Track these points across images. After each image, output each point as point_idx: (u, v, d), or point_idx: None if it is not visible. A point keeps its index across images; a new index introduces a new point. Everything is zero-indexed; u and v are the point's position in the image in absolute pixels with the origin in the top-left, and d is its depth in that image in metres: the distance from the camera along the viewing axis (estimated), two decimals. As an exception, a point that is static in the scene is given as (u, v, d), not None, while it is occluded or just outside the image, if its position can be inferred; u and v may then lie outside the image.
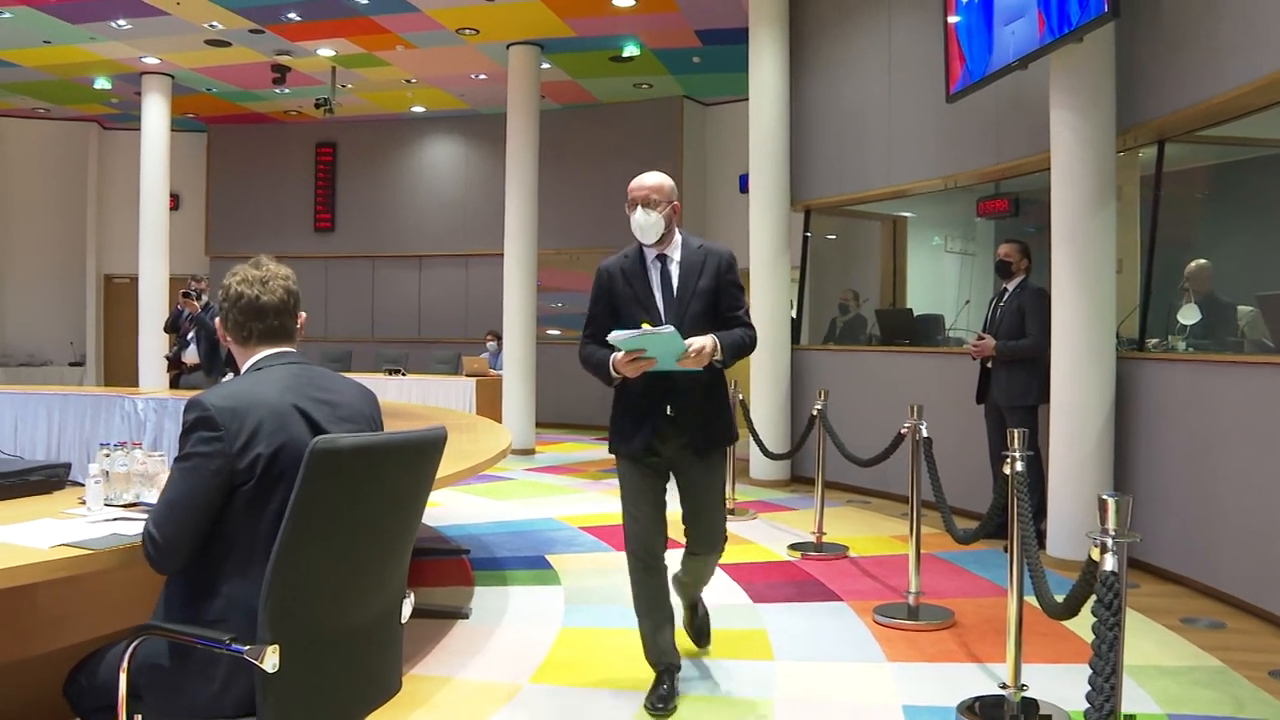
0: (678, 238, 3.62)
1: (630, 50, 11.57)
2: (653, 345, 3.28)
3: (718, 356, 3.38)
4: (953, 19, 6.82)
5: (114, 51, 11.87)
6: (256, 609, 1.97)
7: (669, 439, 3.54)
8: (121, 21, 10.78)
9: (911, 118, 8.01)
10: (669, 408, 3.50)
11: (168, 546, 2.10)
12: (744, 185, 10.56)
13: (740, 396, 7.64)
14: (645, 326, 3.31)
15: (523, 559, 5.90)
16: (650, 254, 3.59)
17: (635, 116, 13.75)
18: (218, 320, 2.44)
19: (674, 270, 3.57)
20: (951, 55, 6.87)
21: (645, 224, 3.50)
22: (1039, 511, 5.77)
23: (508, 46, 11.38)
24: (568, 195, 13.79)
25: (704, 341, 3.32)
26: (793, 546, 6.22)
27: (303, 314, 2.45)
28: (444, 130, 14.95)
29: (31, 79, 13.04)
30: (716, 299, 3.54)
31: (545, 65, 11.81)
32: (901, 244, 10.37)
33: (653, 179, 3.55)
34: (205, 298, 9.03)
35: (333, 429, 2.23)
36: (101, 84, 13.30)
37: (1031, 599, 3.26)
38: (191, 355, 9.04)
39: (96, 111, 14.97)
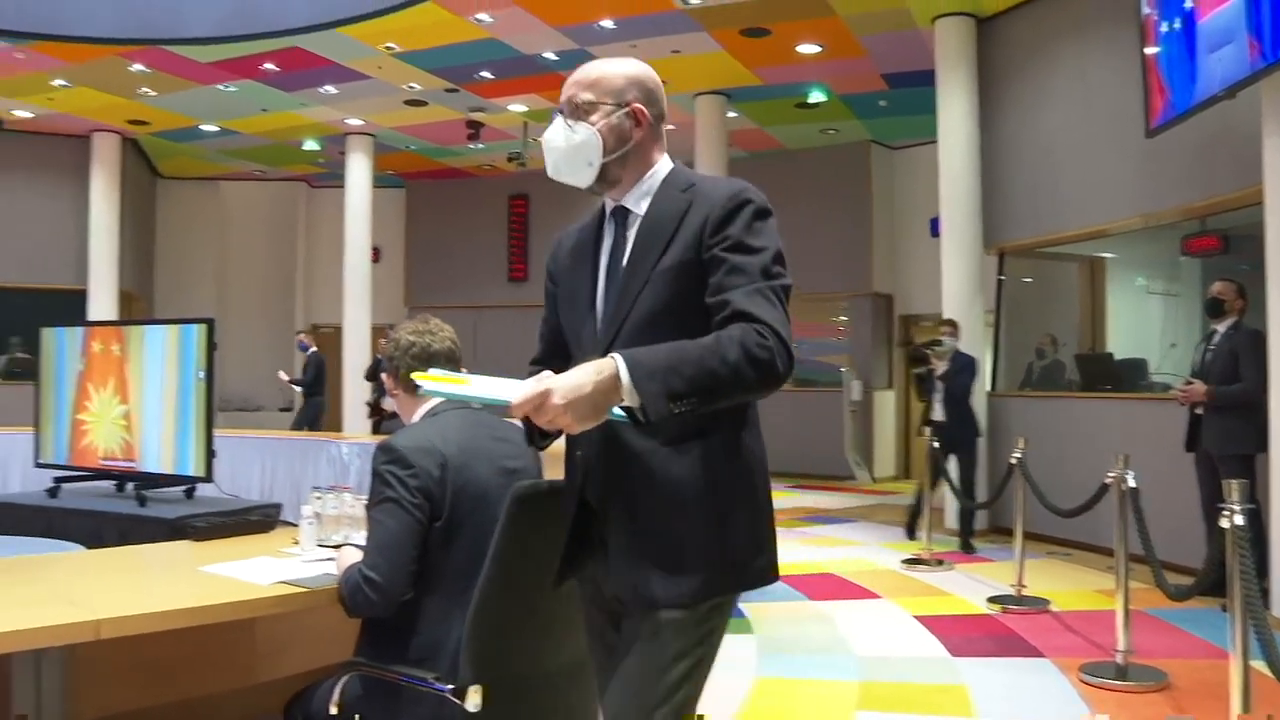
0: (654, 174, 1.95)
1: (817, 96, 11.62)
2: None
3: (626, 404, 1.65)
4: (1152, 50, 6.58)
5: (322, 115, 12.79)
6: (455, 647, 2.09)
7: (597, 555, 1.92)
8: (329, 87, 11.62)
9: (1108, 154, 7.73)
10: (588, 491, 1.90)
11: (388, 586, 2.23)
12: (935, 229, 10.39)
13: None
14: (449, 379, 1.75)
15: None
16: (608, 207, 2.01)
17: (823, 162, 13.74)
18: (384, 375, 2.62)
19: (631, 236, 1.93)
20: (1152, 88, 6.61)
21: (557, 148, 1.94)
22: (1261, 568, 5.41)
23: (695, 96, 11.63)
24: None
25: (536, 391, 1.61)
26: (992, 599, 6.03)
27: (464, 370, 2.57)
28: (634, 181, 15.26)
29: (250, 144, 14.17)
30: (696, 283, 1.83)
31: (732, 114, 11.99)
32: (1101, 286, 9.95)
33: (591, 69, 1.96)
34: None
35: (509, 466, 2.38)
36: (310, 145, 14.32)
37: (1258, 664, 3.08)
38: (390, 403, 9.56)
39: (305, 171, 16.10)
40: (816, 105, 11.94)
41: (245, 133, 13.52)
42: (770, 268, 1.80)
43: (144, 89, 11.49)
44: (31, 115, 12.49)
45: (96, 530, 5.30)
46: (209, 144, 14.08)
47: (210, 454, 5.48)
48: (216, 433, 5.64)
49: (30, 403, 6.62)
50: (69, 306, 12.52)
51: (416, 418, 2.53)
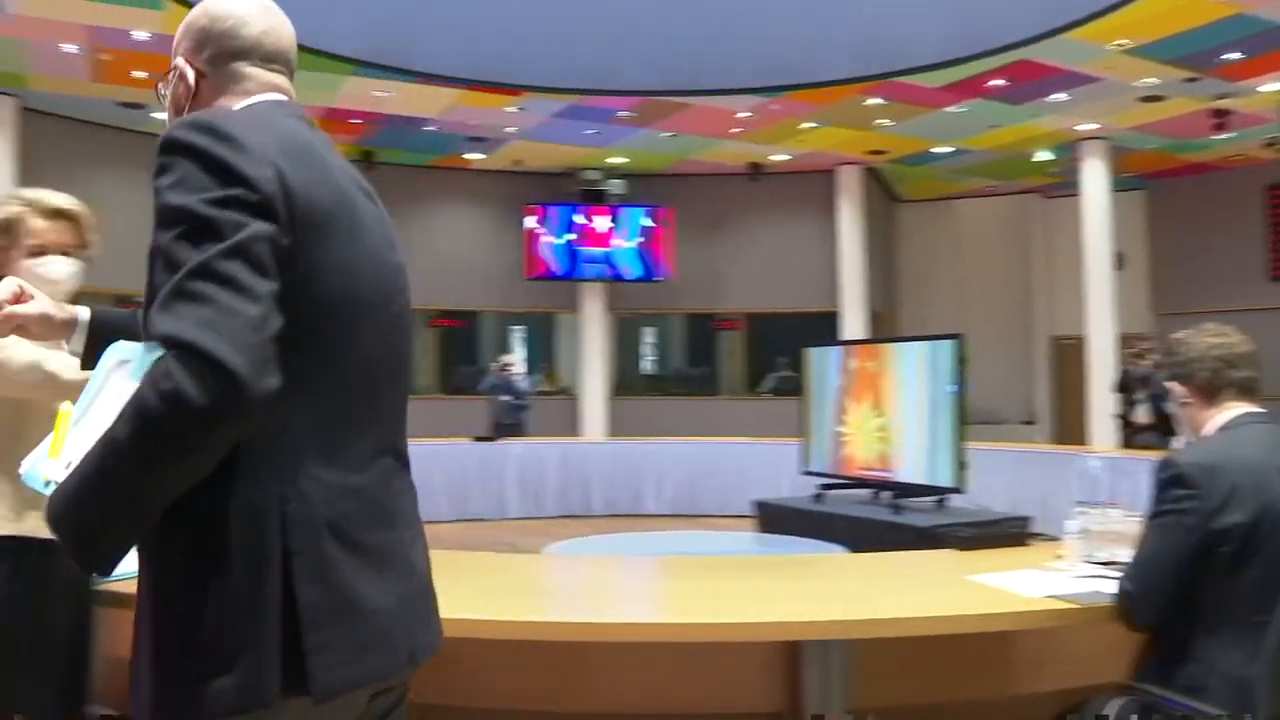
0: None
1: None
2: None
3: None
4: None
5: (1053, 124, 12.43)
6: (1239, 678, 1.89)
7: None
8: (1059, 95, 11.27)
9: None
10: None
11: (1136, 600, 2.16)
12: None
13: None
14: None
15: None
16: None
17: None
18: (1173, 383, 2.40)
19: None
20: None
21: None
22: None
23: None
24: None
25: None
26: None
27: None
28: None
29: (982, 161, 14.30)
30: None
31: None
32: None
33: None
34: (1155, 357, 8.89)
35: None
36: (1042, 156, 14.01)
37: None
38: (1140, 415, 8.95)
39: (1038, 182, 15.77)
40: None
41: (977, 149, 13.74)
42: (174, 246, 1.21)
43: (880, 120, 12.28)
44: (786, 157, 14.03)
45: (857, 534, 5.76)
46: (942, 165, 14.59)
47: (962, 465, 5.65)
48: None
49: (796, 416, 7.42)
50: (824, 327, 13.81)
51: (1209, 430, 2.33)
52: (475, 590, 2.69)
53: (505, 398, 10.62)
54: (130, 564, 1.27)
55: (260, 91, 1.47)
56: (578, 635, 2.31)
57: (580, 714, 2.80)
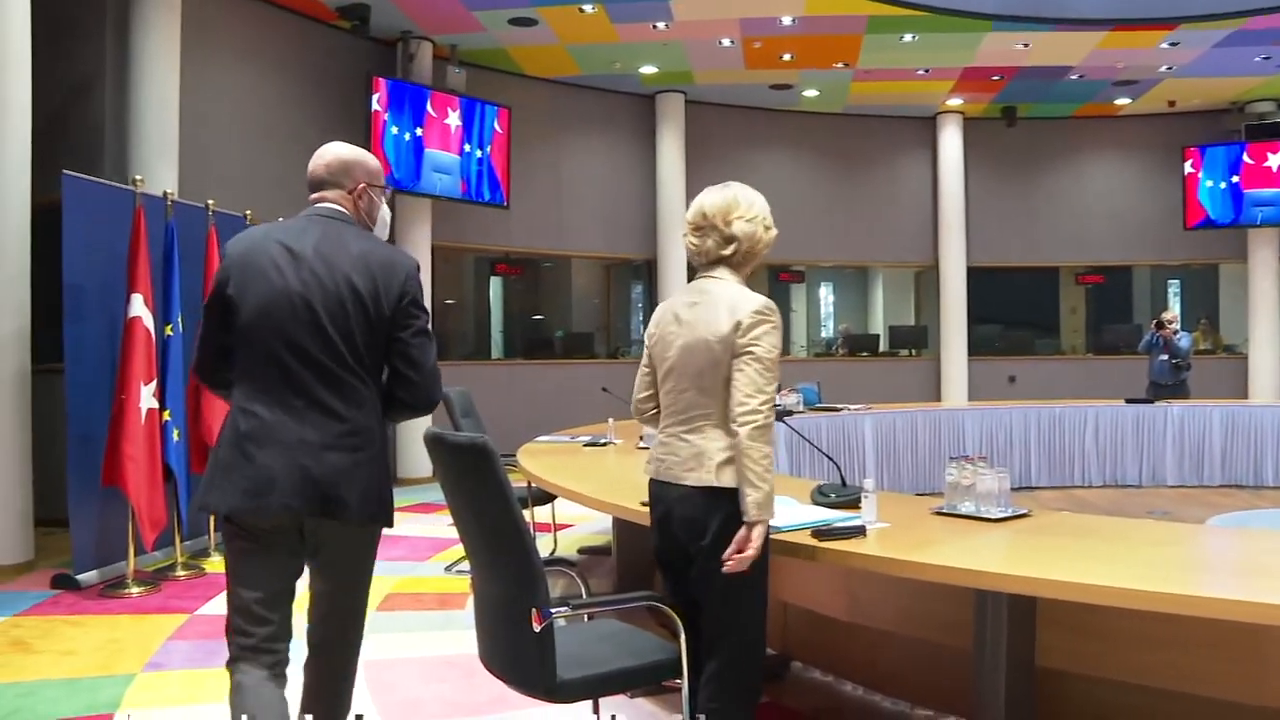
0: None
1: None
2: None
3: None
4: None
5: None
6: None
7: None
8: None
9: None
10: None
11: None
12: None
13: None
14: None
15: None
16: None
17: None
18: None
19: None
20: None
21: None
22: None
23: None
24: None
25: None
26: None
27: None
28: None
29: None
30: None
31: None
32: None
33: None
34: None
35: None
36: None
37: None
38: None
39: None
40: None
41: None
42: None
43: None
44: None
45: None
46: None
47: None
48: None
49: None
50: None
51: None
52: (1132, 559, 2.61)
53: (1163, 358, 9.83)
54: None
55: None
56: (1249, 616, 2.13)
57: (1247, 706, 2.59)
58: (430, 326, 2.69)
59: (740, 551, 2.47)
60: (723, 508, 2.55)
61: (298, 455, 2.48)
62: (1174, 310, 10.16)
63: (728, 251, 2.68)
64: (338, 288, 2.54)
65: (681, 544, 2.65)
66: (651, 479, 2.78)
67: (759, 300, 2.59)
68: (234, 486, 2.49)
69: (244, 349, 2.57)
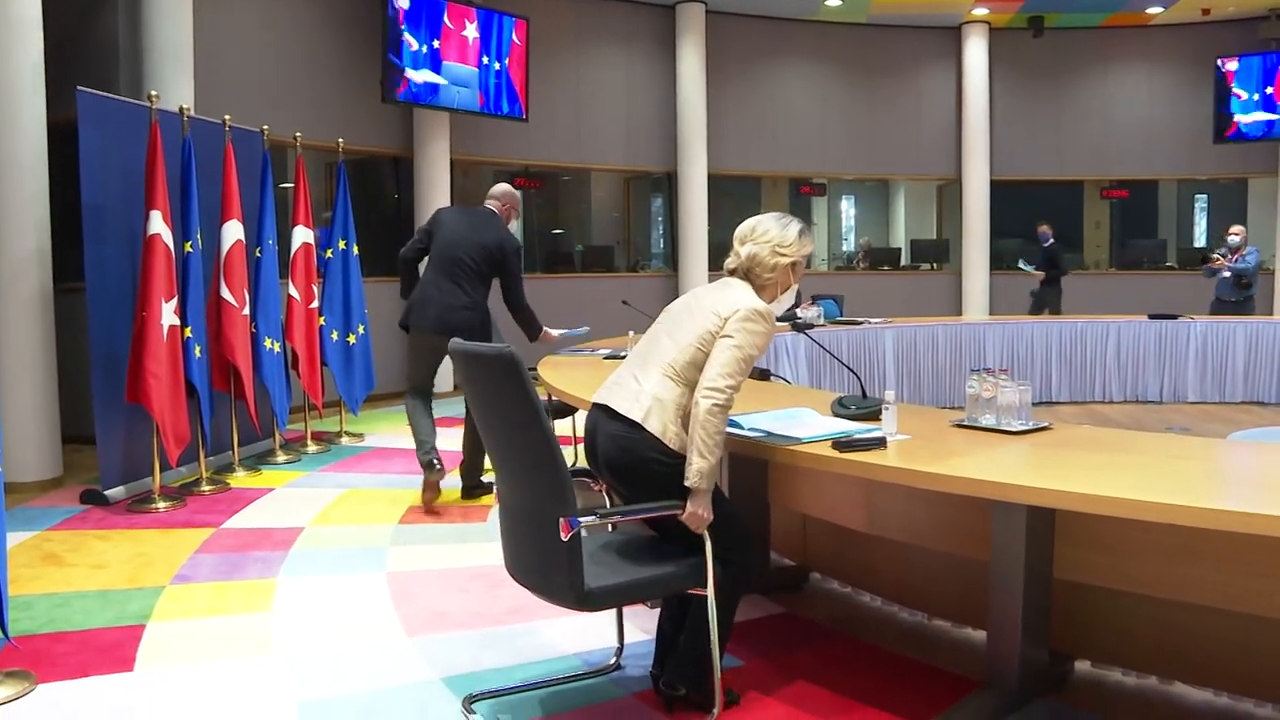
0: None
1: None
2: None
3: None
4: None
5: None
6: None
7: None
8: None
9: None
10: None
11: None
12: None
13: None
14: None
15: None
16: None
17: None
18: None
19: None
20: None
21: None
22: None
23: None
24: None
25: None
26: None
27: None
28: None
29: None
30: None
31: None
32: None
33: None
34: None
35: None
36: None
37: None
38: None
39: None
40: None
41: None
42: None
43: None
44: None
45: None
46: None
47: None
48: None
49: None
50: None
51: None
52: (1152, 472, 2.61)
53: (1226, 274, 9.67)
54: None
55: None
56: (1268, 529, 2.13)
57: (1267, 620, 2.61)
58: (520, 271, 5.57)
59: (694, 521, 2.75)
60: (638, 450, 2.80)
61: (448, 304, 5.39)
62: (1239, 226, 9.84)
63: (732, 266, 3.02)
64: (479, 240, 5.44)
65: (599, 467, 2.97)
66: (592, 402, 3.03)
67: (763, 305, 2.88)
68: (420, 313, 5.42)
69: (435, 254, 5.45)
